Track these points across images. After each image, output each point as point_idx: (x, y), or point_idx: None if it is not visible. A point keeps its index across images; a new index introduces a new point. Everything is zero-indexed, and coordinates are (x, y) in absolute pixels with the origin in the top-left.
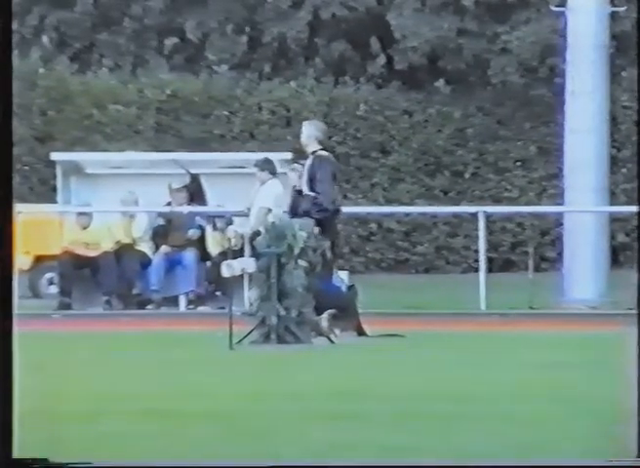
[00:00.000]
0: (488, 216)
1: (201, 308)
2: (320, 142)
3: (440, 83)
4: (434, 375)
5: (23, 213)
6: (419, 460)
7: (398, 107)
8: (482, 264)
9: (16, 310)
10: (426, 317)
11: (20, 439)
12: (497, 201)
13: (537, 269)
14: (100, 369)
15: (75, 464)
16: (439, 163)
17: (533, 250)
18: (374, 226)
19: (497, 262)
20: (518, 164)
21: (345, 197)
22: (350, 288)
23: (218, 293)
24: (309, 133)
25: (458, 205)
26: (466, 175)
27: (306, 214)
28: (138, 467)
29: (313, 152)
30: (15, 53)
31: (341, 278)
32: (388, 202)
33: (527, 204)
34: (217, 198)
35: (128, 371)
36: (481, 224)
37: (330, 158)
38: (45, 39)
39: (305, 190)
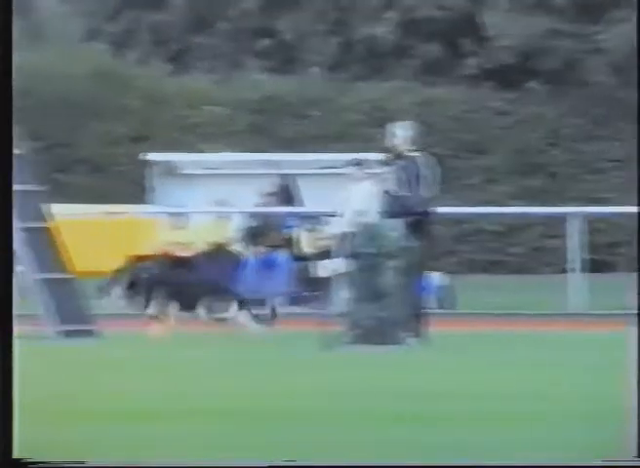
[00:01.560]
0: (583, 217)
1: (294, 309)
2: (413, 143)
3: (533, 83)
4: (525, 375)
5: (118, 213)
6: (419, 460)
7: (492, 107)
8: (577, 265)
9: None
10: (519, 317)
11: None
12: (592, 201)
13: (633, 270)
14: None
15: (75, 464)
16: (534, 163)
17: (629, 250)
18: (467, 227)
19: (593, 263)
20: (614, 164)
21: (439, 198)
22: (444, 288)
23: (311, 294)
24: (402, 134)
25: (553, 205)
26: (561, 176)
27: (397, 215)
28: (138, 467)
29: (406, 154)
30: (111, 54)
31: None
32: (483, 203)
33: (623, 204)
34: (310, 199)
35: (210, 372)
36: (576, 225)
37: (421, 159)
38: (144, 42)
39: (397, 192)
